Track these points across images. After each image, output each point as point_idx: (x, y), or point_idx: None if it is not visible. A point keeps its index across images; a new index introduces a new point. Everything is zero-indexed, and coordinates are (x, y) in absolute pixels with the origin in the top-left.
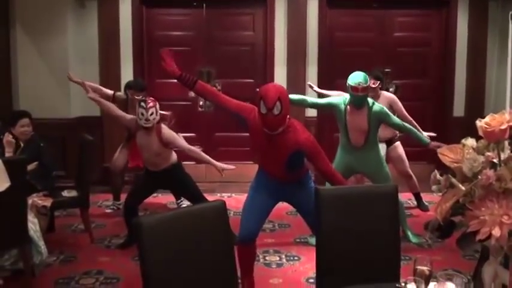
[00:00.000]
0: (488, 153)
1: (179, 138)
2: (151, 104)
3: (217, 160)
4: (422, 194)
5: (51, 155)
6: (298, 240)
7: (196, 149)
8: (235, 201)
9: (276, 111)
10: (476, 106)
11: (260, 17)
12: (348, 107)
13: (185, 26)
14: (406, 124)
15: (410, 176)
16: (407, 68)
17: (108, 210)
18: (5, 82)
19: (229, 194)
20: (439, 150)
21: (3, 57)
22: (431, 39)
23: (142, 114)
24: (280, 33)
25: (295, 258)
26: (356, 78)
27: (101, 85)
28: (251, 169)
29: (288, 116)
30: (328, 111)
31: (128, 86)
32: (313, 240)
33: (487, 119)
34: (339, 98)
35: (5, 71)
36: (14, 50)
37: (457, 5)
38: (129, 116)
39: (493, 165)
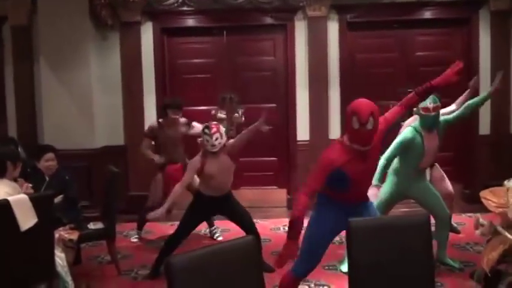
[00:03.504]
0: None
1: (235, 139)
2: (214, 130)
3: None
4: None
5: (76, 187)
6: (327, 267)
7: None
8: (260, 227)
9: (369, 126)
10: (502, 124)
11: (281, 42)
12: (423, 132)
13: (206, 54)
14: (463, 107)
15: (453, 196)
16: None
17: (134, 240)
18: (30, 114)
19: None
20: (481, 194)
21: (27, 90)
22: (453, 57)
23: (207, 140)
24: (301, 57)
25: (325, 286)
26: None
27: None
28: (274, 194)
29: None
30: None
31: (167, 105)
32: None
33: None
34: (408, 132)
35: (30, 104)
36: (38, 82)
37: (478, 23)
38: (194, 162)
39: None
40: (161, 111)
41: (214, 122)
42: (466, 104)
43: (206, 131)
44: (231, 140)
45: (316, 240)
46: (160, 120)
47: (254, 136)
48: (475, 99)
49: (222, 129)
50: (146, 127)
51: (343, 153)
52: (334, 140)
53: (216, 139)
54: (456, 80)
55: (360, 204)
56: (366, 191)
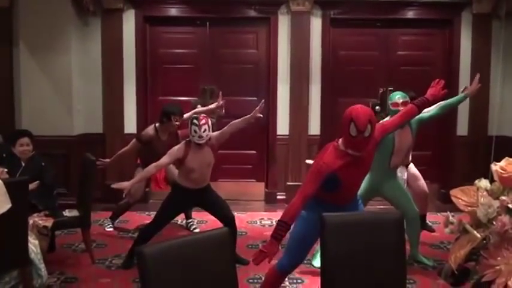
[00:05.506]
0: (503, 198)
1: (223, 130)
2: (203, 121)
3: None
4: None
5: (52, 174)
6: None
7: (235, 121)
8: (237, 220)
9: (366, 134)
10: (480, 125)
11: (263, 36)
12: None
13: (189, 44)
14: (438, 107)
15: (427, 195)
16: (410, 87)
17: (109, 229)
18: (8, 100)
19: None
20: (452, 192)
21: (6, 76)
22: (434, 58)
23: (195, 131)
24: (284, 52)
25: (299, 281)
26: (394, 94)
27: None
28: (253, 187)
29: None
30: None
31: (171, 112)
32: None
33: (503, 163)
34: None
35: (8, 89)
36: (17, 68)
37: (460, 24)
38: (176, 151)
39: (508, 211)
40: (161, 116)
41: (204, 114)
42: (441, 104)
43: (195, 121)
44: (215, 133)
45: (304, 238)
46: (156, 125)
47: (246, 126)
48: (450, 101)
49: (210, 122)
50: (137, 128)
51: (337, 158)
52: (313, 135)
53: (204, 131)
54: (444, 94)
55: (348, 204)
56: (355, 193)
